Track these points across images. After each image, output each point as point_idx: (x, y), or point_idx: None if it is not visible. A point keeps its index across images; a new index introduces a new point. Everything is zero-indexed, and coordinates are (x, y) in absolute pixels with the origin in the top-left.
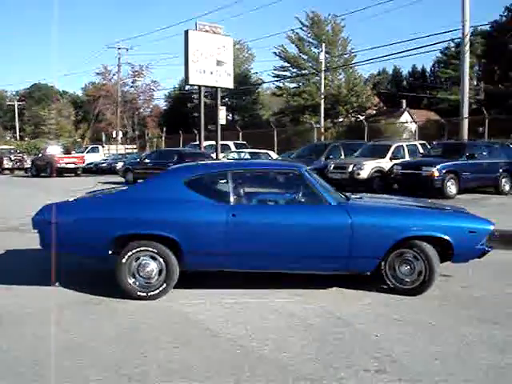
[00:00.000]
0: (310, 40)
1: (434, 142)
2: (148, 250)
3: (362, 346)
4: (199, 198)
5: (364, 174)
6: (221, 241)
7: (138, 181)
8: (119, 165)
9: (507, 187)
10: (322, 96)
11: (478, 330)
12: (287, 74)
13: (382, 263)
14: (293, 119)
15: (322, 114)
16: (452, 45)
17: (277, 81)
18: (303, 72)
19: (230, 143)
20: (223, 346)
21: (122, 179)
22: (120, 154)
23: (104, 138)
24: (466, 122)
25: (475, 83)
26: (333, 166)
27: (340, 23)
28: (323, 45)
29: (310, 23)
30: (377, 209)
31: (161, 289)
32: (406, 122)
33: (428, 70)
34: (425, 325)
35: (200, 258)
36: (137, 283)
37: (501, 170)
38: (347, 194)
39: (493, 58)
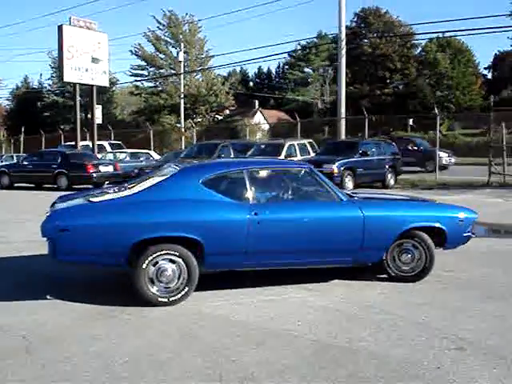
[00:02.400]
0: (168, 39)
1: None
2: (169, 253)
3: (421, 329)
4: (219, 197)
5: None
6: (243, 240)
7: (15, 185)
8: None
9: (392, 181)
10: (182, 96)
11: (494, 306)
12: (145, 73)
13: (385, 254)
14: (149, 119)
15: (183, 114)
16: (299, 48)
17: (137, 81)
18: (161, 71)
19: (105, 143)
20: (297, 342)
21: None
22: None
23: None
24: (343, 122)
25: (321, 86)
26: None
27: (197, 23)
28: (182, 45)
29: (167, 22)
30: (383, 204)
31: (183, 293)
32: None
33: (273, 71)
34: (451, 306)
35: (221, 258)
36: (156, 289)
37: (387, 166)
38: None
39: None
